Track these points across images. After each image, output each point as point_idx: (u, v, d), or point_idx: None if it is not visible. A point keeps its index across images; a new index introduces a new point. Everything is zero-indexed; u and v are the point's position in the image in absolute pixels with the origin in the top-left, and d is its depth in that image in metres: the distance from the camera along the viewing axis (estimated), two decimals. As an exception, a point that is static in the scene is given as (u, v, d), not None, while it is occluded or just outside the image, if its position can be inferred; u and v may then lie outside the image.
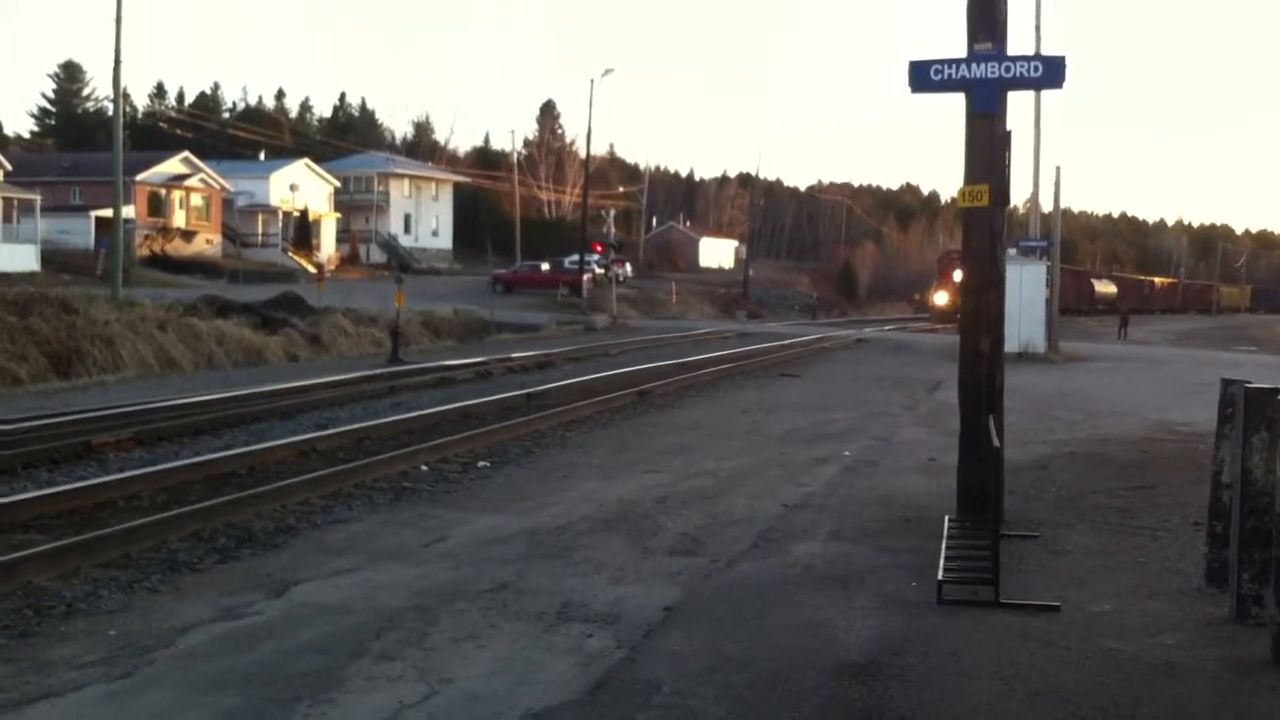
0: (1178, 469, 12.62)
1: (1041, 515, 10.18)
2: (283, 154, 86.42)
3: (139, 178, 64.77)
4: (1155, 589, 7.85)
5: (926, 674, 6.13)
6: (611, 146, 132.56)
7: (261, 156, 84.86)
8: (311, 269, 63.21)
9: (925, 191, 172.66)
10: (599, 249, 60.66)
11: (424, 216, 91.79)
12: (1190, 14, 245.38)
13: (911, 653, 6.45)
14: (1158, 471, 12.63)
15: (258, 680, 5.85)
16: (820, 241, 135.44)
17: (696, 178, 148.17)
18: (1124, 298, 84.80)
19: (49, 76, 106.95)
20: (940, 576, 7.57)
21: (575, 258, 63.70)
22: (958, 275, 69.95)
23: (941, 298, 62.19)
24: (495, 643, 6.48)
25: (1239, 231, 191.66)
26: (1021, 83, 9.45)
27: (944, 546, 8.33)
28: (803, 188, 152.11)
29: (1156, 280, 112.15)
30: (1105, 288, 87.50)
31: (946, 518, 9.33)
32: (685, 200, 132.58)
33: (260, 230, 76.64)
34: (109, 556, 8.04)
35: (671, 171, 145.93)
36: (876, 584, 7.85)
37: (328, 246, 78.97)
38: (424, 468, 12.06)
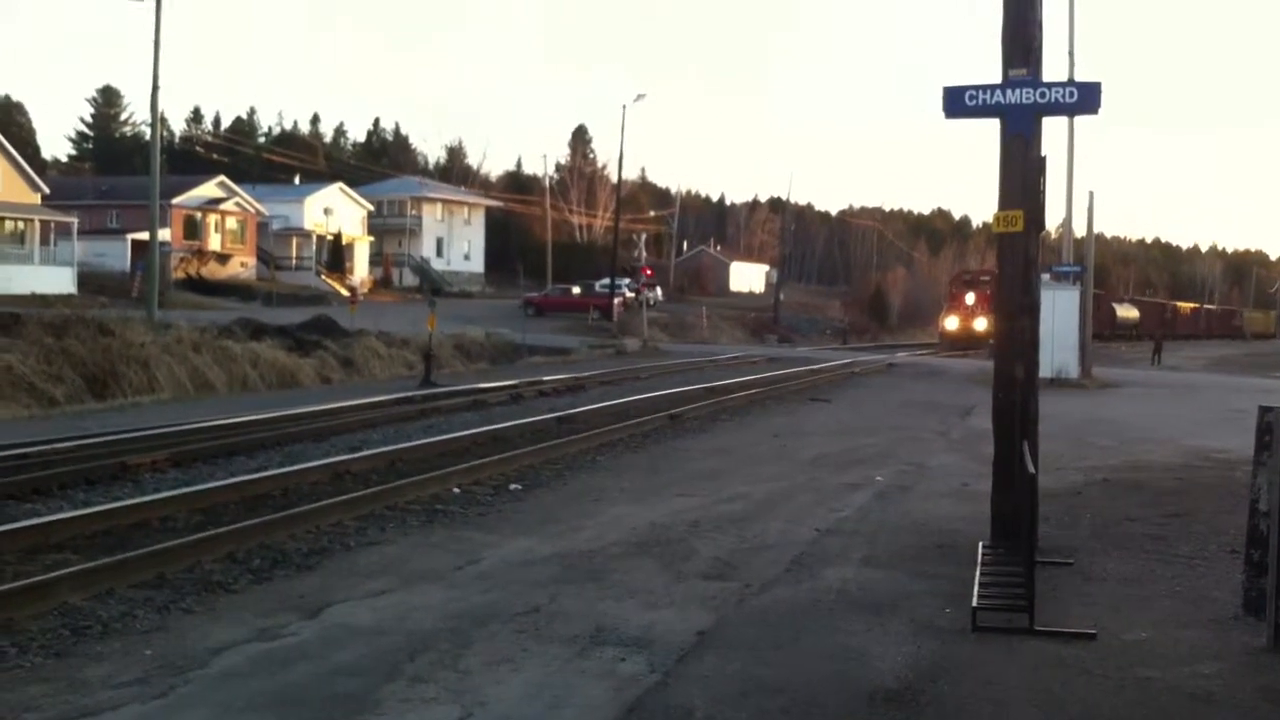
0: (1214, 496, 12.51)
1: (1076, 542, 10.11)
2: (317, 178, 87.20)
3: (175, 201, 65.49)
4: (1192, 617, 7.78)
5: (961, 701, 6.10)
6: (643, 171, 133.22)
7: (296, 181, 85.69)
8: (345, 292, 63.59)
9: (957, 216, 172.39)
10: (649, 273, 60.70)
11: (456, 240, 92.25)
12: (1232, 32, 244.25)
13: (946, 680, 6.41)
14: (1193, 499, 12.52)
15: (292, 702, 5.88)
16: (851, 266, 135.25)
17: (727, 202, 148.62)
18: (1145, 322, 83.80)
19: (87, 101, 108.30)
20: (975, 603, 7.52)
21: (606, 282, 63.82)
22: (970, 298, 68.11)
23: (952, 322, 60.52)
24: (528, 666, 6.49)
25: (1274, 257, 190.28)
26: (1057, 108, 9.43)
27: (978, 573, 8.28)
28: (834, 212, 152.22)
29: (1180, 305, 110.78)
30: (1127, 312, 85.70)
31: (980, 544, 9.28)
32: (716, 224, 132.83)
33: (294, 253, 77.23)
34: (144, 577, 8.09)
35: (702, 196, 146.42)
36: (910, 610, 7.80)
37: (361, 270, 79.47)
38: (456, 490, 12.09)
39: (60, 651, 6.59)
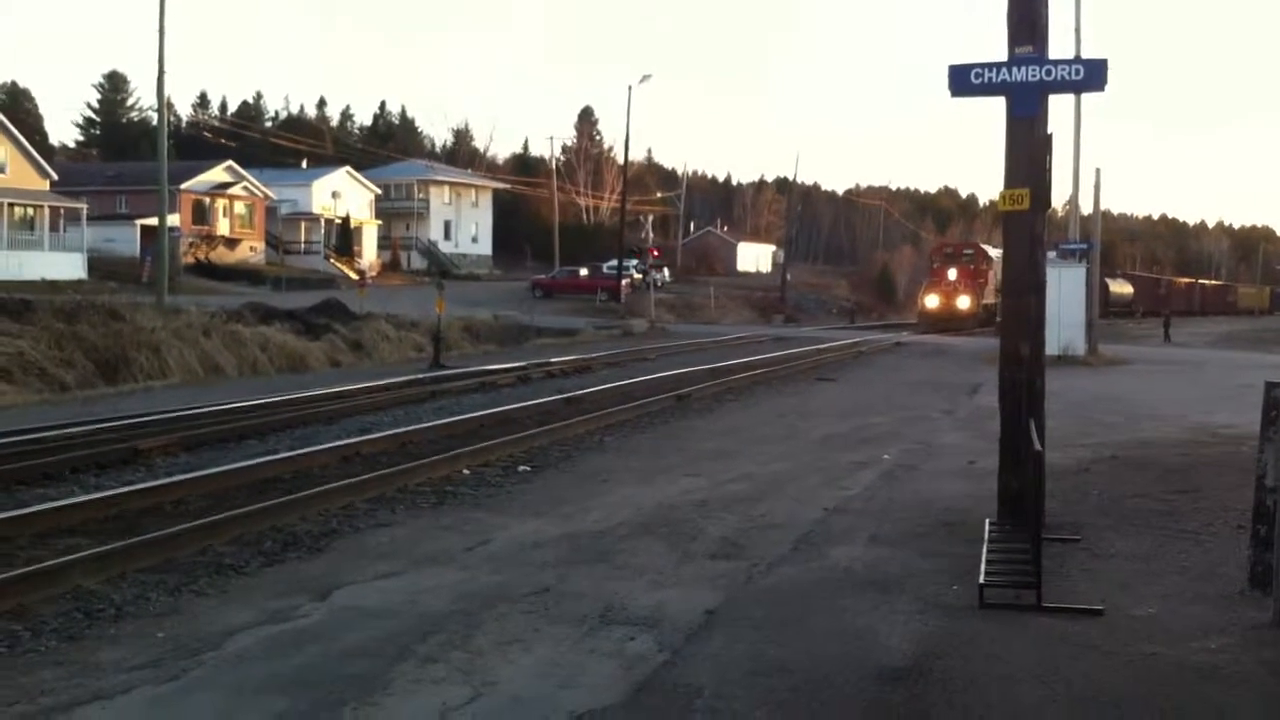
0: (1221, 472, 12.50)
1: (1083, 519, 10.12)
2: (324, 162, 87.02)
3: (183, 186, 65.44)
4: (1198, 593, 7.80)
5: (968, 678, 6.12)
6: (649, 152, 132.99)
7: (304, 165, 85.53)
8: (353, 275, 63.65)
9: (963, 194, 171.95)
10: (656, 254, 60.34)
11: (464, 223, 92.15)
12: (1242, 11, 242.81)
13: (953, 657, 6.44)
14: (1200, 475, 12.51)
15: (304, 683, 5.92)
16: (858, 246, 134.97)
17: (734, 182, 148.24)
18: (1139, 298, 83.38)
19: (94, 87, 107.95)
20: (982, 580, 7.55)
21: (613, 263, 63.76)
22: (952, 274, 65.04)
23: (933, 300, 55.98)
24: (538, 646, 6.53)
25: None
26: (1062, 86, 9.41)
27: (985, 550, 8.30)
28: (840, 192, 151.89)
29: (1175, 280, 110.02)
30: (1120, 288, 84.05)
31: (987, 521, 9.29)
32: (723, 205, 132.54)
33: (303, 237, 77.20)
34: (156, 560, 8.14)
35: (709, 176, 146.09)
36: (917, 588, 7.83)
37: (369, 253, 79.41)
38: (465, 472, 12.14)
39: (73, 635, 6.65)
